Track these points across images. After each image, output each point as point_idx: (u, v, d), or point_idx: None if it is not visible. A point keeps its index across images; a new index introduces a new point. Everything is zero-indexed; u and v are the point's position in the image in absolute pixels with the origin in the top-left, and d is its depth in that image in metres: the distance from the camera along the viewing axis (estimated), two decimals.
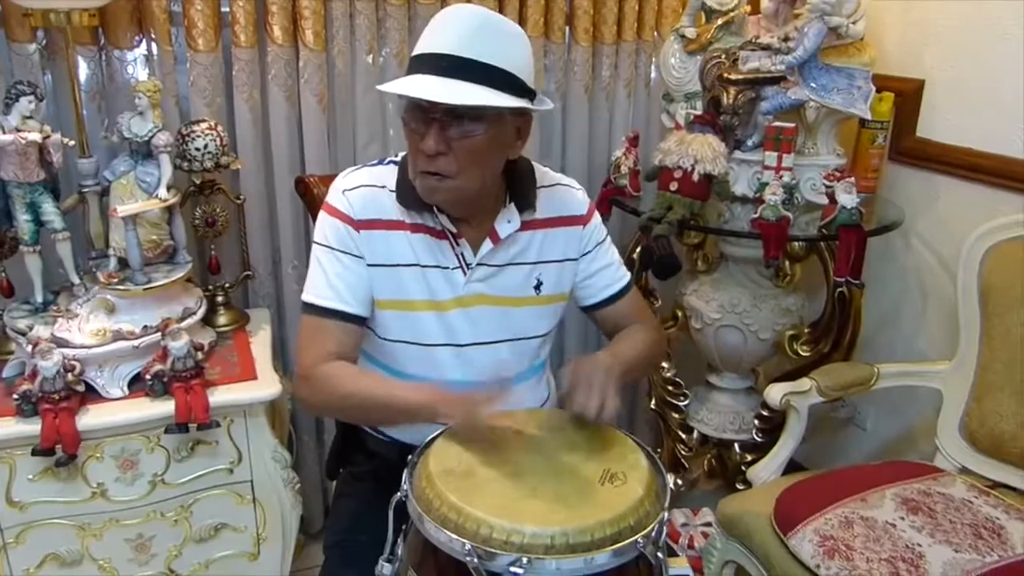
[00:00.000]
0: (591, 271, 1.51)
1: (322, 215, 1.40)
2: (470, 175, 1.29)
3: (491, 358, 1.44)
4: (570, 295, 1.53)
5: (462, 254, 1.40)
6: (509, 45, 1.25)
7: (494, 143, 1.29)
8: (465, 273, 1.40)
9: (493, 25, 1.24)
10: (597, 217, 1.53)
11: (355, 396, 1.32)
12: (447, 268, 1.40)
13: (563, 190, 1.50)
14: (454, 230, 1.38)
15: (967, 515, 1.65)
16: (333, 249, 1.37)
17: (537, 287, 1.46)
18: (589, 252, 1.50)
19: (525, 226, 1.42)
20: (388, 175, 1.41)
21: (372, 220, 1.38)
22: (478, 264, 1.40)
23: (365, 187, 1.39)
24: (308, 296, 1.39)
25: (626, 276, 1.57)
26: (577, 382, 1.26)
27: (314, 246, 1.40)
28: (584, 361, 1.30)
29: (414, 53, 1.27)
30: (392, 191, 1.38)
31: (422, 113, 1.25)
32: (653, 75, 2.56)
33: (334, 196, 1.39)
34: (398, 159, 1.42)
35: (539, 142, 2.44)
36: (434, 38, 1.24)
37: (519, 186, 1.42)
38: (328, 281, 1.37)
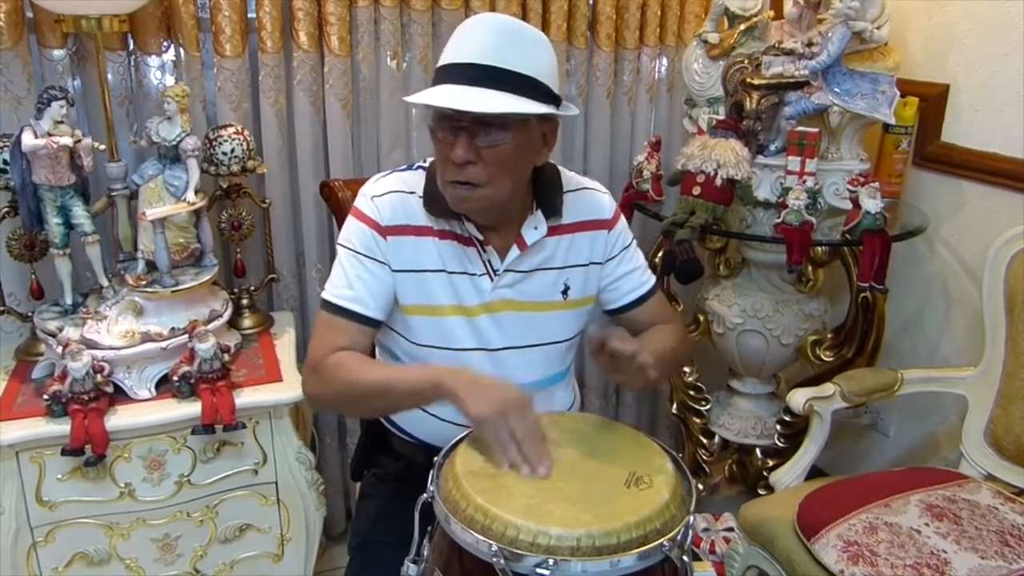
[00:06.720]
0: (616, 275, 1.52)
1: (350, 219, 1.41)
2: (499, 183, 1.29)
3: (523, 362, 1.45)
4: (596, 298, 1.53)
5: (489, 261, 1.41)
6: (533, 51, 1.26)
7: (522, 150, 1.30)
8: (492, 279, 1.41)
9: (517, 32, 1.25)
10: (623, 221, 1.53)
11: (360, 383, 1.32)
12: (474, 274, 1.41)
13: (589, 194, 1.50)
14: (481, 237, 1.39)
15: (993, 522, 1.64)
16: (357, 253, 1.38)
17: (565, 292, 1.46)
18: (615, 256, 1.51)
19: (552, 231, 1.43)
20: (417, 180, 1.41)
21: (400, 226, 1.38)
22: (505, 270, 1.41)
23: (394, 193, 1.40)
24: (326, 294, 1.40)
25: (651, 280, 1.57)
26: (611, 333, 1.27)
27: (339, 247, 1.42)
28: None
29: (439, 63, 1.27)
30: (420, 197, 1.39)
31: (450, 123, 1.25)
32: (675, 80, 2.56)
33: (363, 201, 1.40)
34: (427, 165, 1.43)
35: (561, 147, 2.44)
36: (459, 48, 1.25)
37: (545, 192, 1.43)
38: (348, 282, 1.38)
